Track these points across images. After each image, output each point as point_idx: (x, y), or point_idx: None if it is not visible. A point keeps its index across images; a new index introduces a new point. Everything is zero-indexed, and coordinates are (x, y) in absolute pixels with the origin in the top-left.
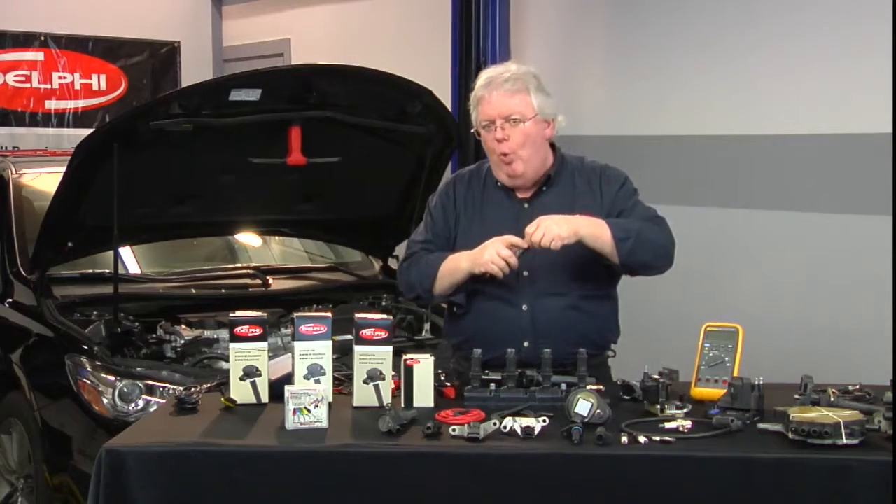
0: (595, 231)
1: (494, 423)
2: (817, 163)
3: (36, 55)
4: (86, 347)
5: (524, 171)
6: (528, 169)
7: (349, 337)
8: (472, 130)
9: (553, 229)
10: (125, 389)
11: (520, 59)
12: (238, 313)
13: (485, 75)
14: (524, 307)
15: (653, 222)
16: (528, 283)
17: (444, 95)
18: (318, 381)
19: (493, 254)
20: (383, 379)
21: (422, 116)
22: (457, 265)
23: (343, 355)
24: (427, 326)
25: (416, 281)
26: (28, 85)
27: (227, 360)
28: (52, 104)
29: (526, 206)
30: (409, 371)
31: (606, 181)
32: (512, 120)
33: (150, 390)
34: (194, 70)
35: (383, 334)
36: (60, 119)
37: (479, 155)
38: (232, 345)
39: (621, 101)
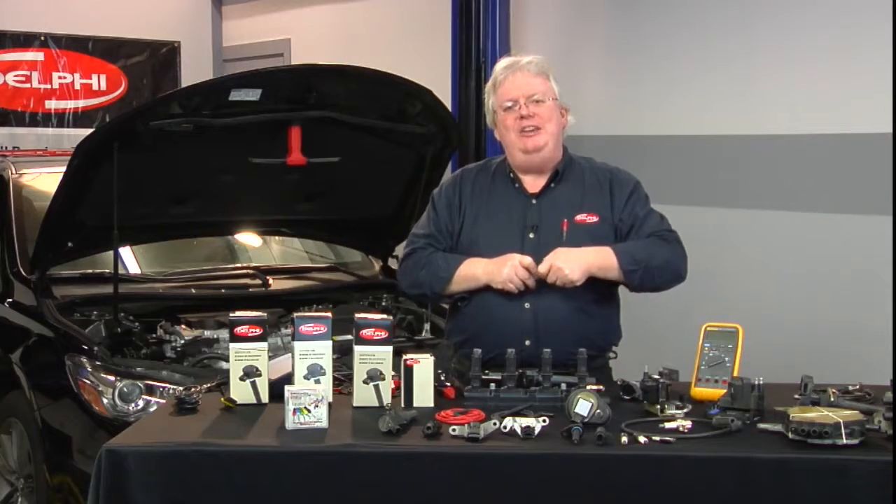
0: (604, 264)
1: (494, 423)
2: (817, 163)
3: (36, 55)
4: (86, 347)
5: (546, 143)
6: (549, 144)
7: (349, 337)
8: (488, 119)
9: (564, 273)
10: (125, 389)
11: None
12: (238, 313)
13: (504, 62)
14: (527, 305)
15: (664, 239)
16: (533, 281)
17: (444, 95)
18: (318, 381)
19: (512, 274)
20: (383, 379)
21: (422, 116)
22: (473, 275)
23: (343, 355)
24: (427, 326)
25: (426, 282)
26: (28, 85)
27: (227, 360)
28: (52, 104)
29: (534, 201)
30: (409, 371)
31: (618, 184)
32: (535, 100)
33: (150, 390)
34: (194, 70)
35: (383, 334)
36: (60, 119)
37: (479, 155)
38: (232, 345)
39: (621, 102)
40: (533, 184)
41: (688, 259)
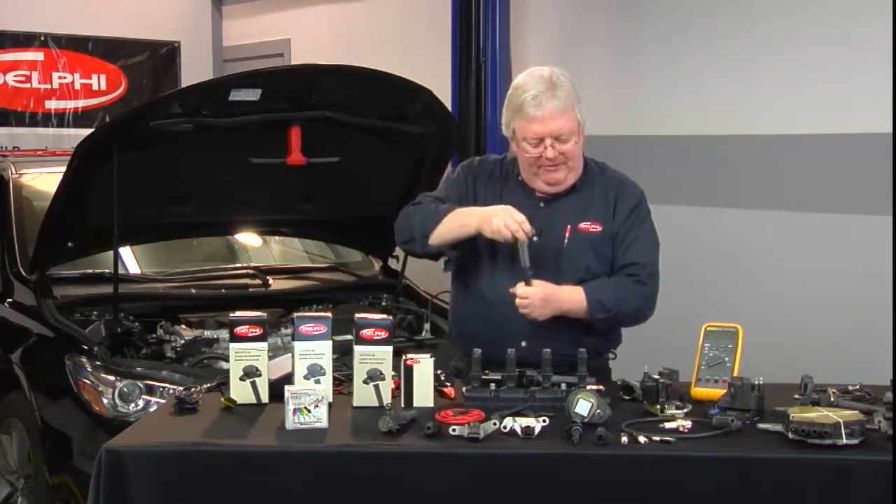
0: (574, 308)
1: (494, 423)
2: (817, 163)
3: (36, 55)
4: (86, 347)
5: (566, 178)
6: (571, 175)
7: (349, 337)
8: (510, 138)
9: (534, 315)
10: (125, 389)
11: (520, 59)
12: (238, 313)
13: (531, 90)
14: None
15: (639, 282)
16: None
17: (444, 95)
18: (318, 381)
19: (501, 224)
20: (383, 379)
21: (422, 116)
22: (466, 220)
23: (343, 355)
24: (427, 326)
25: (417, 223)
26: (28, 85)
27: (227, 360)
28: (52, 104)
29: (542, 205)
30: (409, 371)
31: (623, 196)
32: (561, 139)
33: (150, 390)
34: (194, 70)
35: (383, 334)
36: (60, 119)
37: (479, 155)
38: (232, 345)
39: (621, 102)
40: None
41: (655, 300)
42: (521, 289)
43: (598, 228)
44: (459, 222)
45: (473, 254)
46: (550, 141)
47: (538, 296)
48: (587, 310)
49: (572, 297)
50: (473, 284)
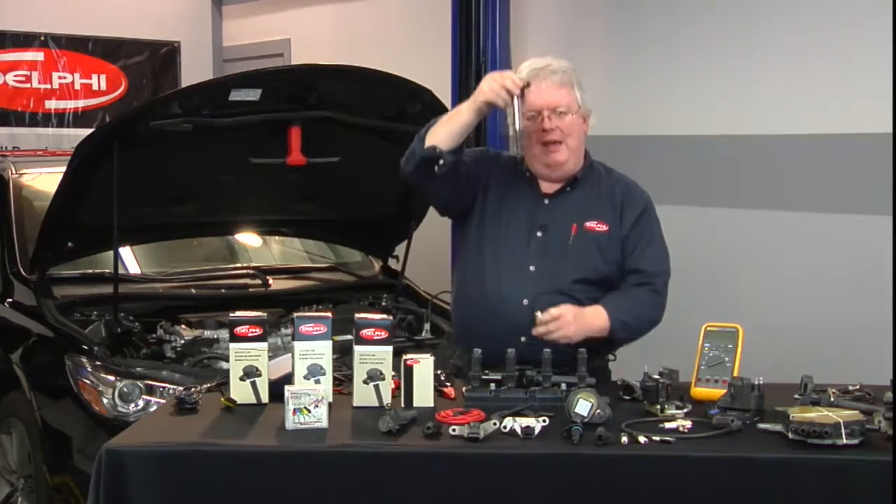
0: (597, 329)
1: (494, 423)
2: (817, 163)
3: (36, 55)
4: (86, 347)
5: (567, 159)
6: (571, 158)
7: (349, 337)
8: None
9: (569, 334)
10: (125, 389)
11: (520, 59)
12: (238, 313)
13: (529, 66)
14: (525, 302)
15: (654, 291)
16: (534, 280)
17: (444, 95)
18: (318, 381)
19: (493, 83)
20: (383, 379)
21: (422, 116)
22: (458, 108)
23: (343, 355)
24: (427, 326)
25: (416, 138)
26: (28, 85)
27: (227, 360)
28: (52, 104)
29: (546, 201)
30: (409, 371)
31: (630, 200)
32: (559, 112)
33: (150, 390)
34: (194, 70)
35: (383, 334)
36: (60, 119)
37: None
38: (232, 345)
39: (621, 102)
40: (549, 185)
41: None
42: (548, 313)
43: (605, 228)
44: (452, 113)
45: (475, 252)
46: (548, 113)
47: (570, 311)
48: (610, 329)
49: (597, 318)
50: (474, 282)
